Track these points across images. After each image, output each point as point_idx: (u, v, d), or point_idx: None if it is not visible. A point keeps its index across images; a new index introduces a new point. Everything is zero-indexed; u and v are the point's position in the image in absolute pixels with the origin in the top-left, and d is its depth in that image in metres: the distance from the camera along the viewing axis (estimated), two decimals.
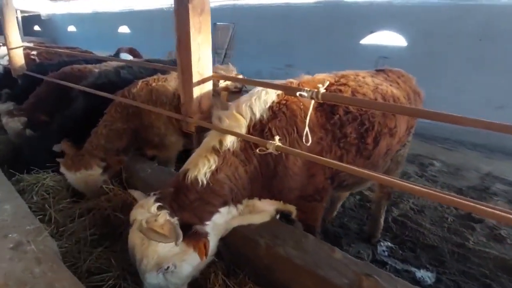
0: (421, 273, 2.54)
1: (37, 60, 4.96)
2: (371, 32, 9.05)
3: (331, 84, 1.96)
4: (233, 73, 3.37)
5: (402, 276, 2.45)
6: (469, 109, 7.02)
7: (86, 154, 2.60)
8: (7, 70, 4.56)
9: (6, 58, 4.84)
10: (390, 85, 2.34)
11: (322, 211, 2.06)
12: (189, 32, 1.70)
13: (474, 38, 7.13)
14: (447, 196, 1.13)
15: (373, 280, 1.47)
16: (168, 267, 1.47)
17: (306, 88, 1.46)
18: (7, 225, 1.61)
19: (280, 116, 1.69)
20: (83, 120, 3.01)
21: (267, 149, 1.49)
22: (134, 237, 1.45)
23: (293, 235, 1.81)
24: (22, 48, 4.32)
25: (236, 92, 2.39)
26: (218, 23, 12.53)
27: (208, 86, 1.91)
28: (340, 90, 1.92)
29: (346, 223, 3.19)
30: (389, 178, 1.23)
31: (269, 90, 1.72)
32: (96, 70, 3.71)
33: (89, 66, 4.15)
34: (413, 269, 2.59)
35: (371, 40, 9.17)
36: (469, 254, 2.77)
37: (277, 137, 1.50)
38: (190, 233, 1.46)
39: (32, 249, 1.44)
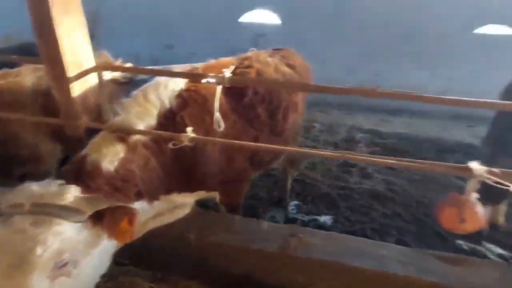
0: (322, 219, 3.06)
1: None
2: (248, 10, 9.44)
3: (236, 67, 1.97)
4: (111, 60, 2.90)
5: (310, 226, 2.91)
6: (330, 76, 8.53)
7: None
8: None
9: None
10: (286, 63, 2.53)
11: (245, 190, 2.14)
12: (51, 14, 1.34)
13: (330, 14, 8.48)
14: (335, 154, 1.39)
15: (298, 238, 1.68)
16: (65, 263, 1.06)
17: (211, 74, 1.42)
18: None
19: (191, 104, 1.61)
20: None
21: (181, 142, 1.40)
22: (18, 223, 1.02)
23: (222, 220, 1.83)
24: None
25: (125, 83, 2.09)
26: None
27: (91, 80, 1.59)
28: (246, 72, 1.96)
29: (258, 193, 3.46)
30: (301, 150, 1.39)
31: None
32: None
33: None
34: (316, 217, 3.08)
35: (248, 19, 9.57)
36: (351, 193, 3.51)
37: (189, 128, 1.42)
38: (108, 210, 1.14)
39: None
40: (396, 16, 8.05)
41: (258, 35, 9.13)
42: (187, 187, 1.72)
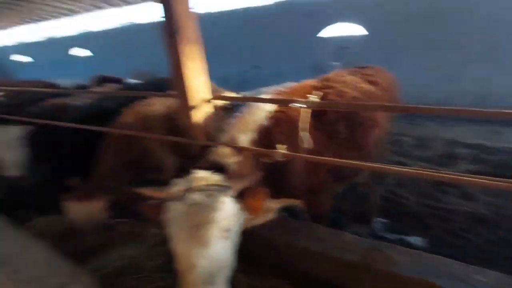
0: (411, 239, 2.89)
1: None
2: (328, 25, 9.56)
3: (318, 89, 2.21)
4: (219, 89, 3.51)
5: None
6: (426, 85, 7.77)
7: (91, 188, 2.62)
8: None
9: None
10: (368, 80, 2.62)
11: (327, 201, 2.31)
12: (181, 61, 1.86)
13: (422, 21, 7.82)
14: (425, 172, 1.42)
15: (379, 252, 1.75)
16: (228, 228, 1.40)
17: (300, 99, 1.69)
18: (46, 272, 1.67)
19: (282, 123, 1.91)
20: (74, 158, 3.03)
21: (273, 158, 1.70)
22: (193, 199, 1.36)
23: (307, 228, 2.04)
24: None
25: (229, 109, 2.56)
26: None
27: (207, 109, 2.07)
28: (328, 93, 2.17)
29: (343, 208, 3.50)
30: (382, 166, 1.50)
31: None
32: (75, 103, 3.68)
33: (66, 100, 4.11)
34: (405, 237, 2.94)
35: (328, 33, 9.66)
36: (446, 214, 3.19)
37: (281, 146, 1.71)
38: (246, 191, 1.51)
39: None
40: (499, 19, 6.85)
41: (341, 49, 9.10)
42: (276, 194, 2.00)
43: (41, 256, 1.80)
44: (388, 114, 2.71)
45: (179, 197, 1.40)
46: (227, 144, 1.89)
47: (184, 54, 1.87)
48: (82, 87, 5.97)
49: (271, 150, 1.71)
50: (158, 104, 3.07)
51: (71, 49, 17.58)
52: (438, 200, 3.48)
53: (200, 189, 1.42)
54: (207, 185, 1.44)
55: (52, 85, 5.97)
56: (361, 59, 8.39)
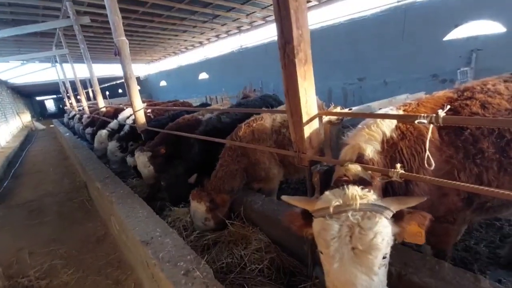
0: None
1: (152, 117, 6.13)
2: (456, 26, 8.18)
3: (454, 100, 1.93)
4: (318, 101, 3.53)
5: None
6: None
7: (204, 191, 3.04)
8: (133, 127, 5.74)
9: (132, 117, 6.16)
10: None
11: (455, 234, 1.95)
12: (297, 80, 1.97)
13: None
14: None
15: None
16: (385, 257, 1.30)
17: (423, 115, 1.52)
18: (173, 255, 2.04)
19: (409, 136, 1.76)
20: (200, 161, 3.62)
21: (390, 177, 1.56)
22: (350, 218, 1.28)
23: (426, 262, 1.76)
24: (143, 109, 5.44)
25: (336, 124, 2.53)
26: None
27: (316, 124, 2.11)
28: (467, 105, 1.86)
29: (473, 246, 2.84)
30: None
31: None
32: (201, 118, 4.40)
33: (195, 114, 4.97)
34: None
35: (457, 35, 8.26)
36: None
37: (398, 165, 1.56)
38: (408, 213, 1.36)
39: (198, 275, 1.80)
40: None
41: (472, 51, 7.61)
42: None
43: (174, 242, 2.20)
44: None
45: (334, 214, 1.34)
46: (333, 161, 1.86)
47: (299, 74, 1.98)
48: (205, 105, 7.09)
49: (388, 169, 1.58)
50: (268, 119, 3.32)
51: (196, 74, 21.35)
52: None
53: (358, 209, 1.32)
54: (364, 204, 1.34)
55: (183, 104, 7.34)
56: (498, 63, 6.82)
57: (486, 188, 1.37)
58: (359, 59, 10.62)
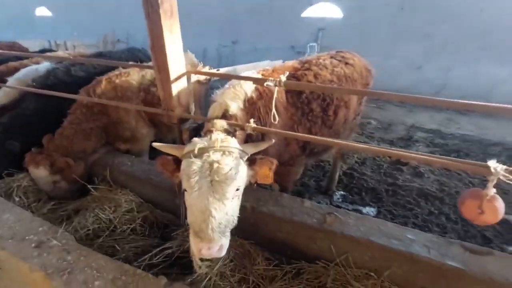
0: (366, 210, 3.27)
1: None
2: (310, 4, 9.53)
3: (297, 70, 2.38)
4: (191, 61, 3.53)
5: None
6: (396, 71, 8.18)
7: (43, 153, 2.64)
8: None
9: None
10: (346, 64, 2.80)
11: (296, 174, 2.55)
12: (162, 34, 1.91)
13: (397, 8, 8.06)
14: (381, 149, 1.67)
15: (333, 216, 2.02)
16: (238, 189, 1.57)
17: (271, 79, 1.84)
18: (19, 231, 1.75)
19: (264, 97, 2.08)
20: (36, 121, 2.99)
21: (246, 130, 1.86)
22: (211, 156, 1.49)
23: (272, 196, 2.27)
24: None
25: (205, 84, 2.64)
26: None
27: (184, 82, 2.15)
28: (305, 74, 2.35)
29: (306, 182, 3.81)
30: (348, 143, 1.73)
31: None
32: (41, 68, 3.51)
33: (25, 61, 3.91)
34: (360, 207, 3.31)
35: (311, 13, 9.67)
36: (398, 189, 3.61)
37: (252, 120, 1.87)
38: (259, 158, 1.69)
39: (56, 244, 1.65)
40: (471, 9, 7.27)
41: (319, 29, 9.20)
42: None
43: (18, 216, 1.87)
44: (359, 99, 2.93)
45: (198, 155, 1.52)
46: (202, 118, 2.02)
47: (164, 27, 1.91)
48: (48, 51, 5.62)
49: (243, 124, 1.86)
50: (136, 75, 3.07)
51: (33, 6, 16.02)
52: (394, 177, 3.89)
53: (219, 149, 1.54)
54: (225, 146, 1.57)
55: (12, 47, 5.55)
56: (336, 41, 8.62)
57: (315, 137, 1.87)
58: (234, 21, 10.82)
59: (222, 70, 3.81)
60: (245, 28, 10.67)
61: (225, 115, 1.94)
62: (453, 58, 7.87)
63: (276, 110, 2.06)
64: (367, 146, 1.71)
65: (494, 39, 7.24)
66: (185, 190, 1.57)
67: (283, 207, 2.16)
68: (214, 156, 1.53)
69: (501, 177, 1.39)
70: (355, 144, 1.85)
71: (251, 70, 2.38)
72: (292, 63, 2.53)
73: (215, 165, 1.50)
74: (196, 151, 1.55)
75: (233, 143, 1.65)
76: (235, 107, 1.98)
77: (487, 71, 7.56)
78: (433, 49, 8.02)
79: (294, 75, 2.36)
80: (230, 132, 1.83)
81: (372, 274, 1.93)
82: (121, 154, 3.03)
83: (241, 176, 1.59)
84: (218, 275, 2.05)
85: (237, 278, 2.05)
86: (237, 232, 2.24)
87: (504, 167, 1.40)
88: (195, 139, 1.65)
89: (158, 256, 2.22)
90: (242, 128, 1.86)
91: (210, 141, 1.61)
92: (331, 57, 2.71)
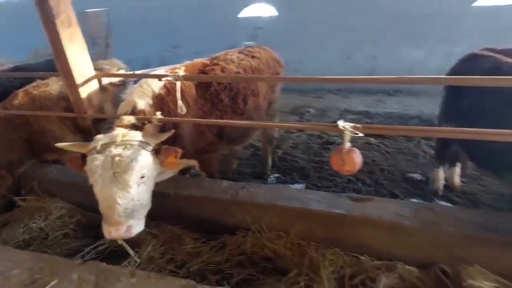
0: (294, 186, 3.63)
1: None
2: (246, 5, 9.91)
3: (206, 65, 2.61)
4: (117, 67, 3.63)
5: None
6: (329, 62, 8.86)
7: None
8: None
9: None
10: (252, 57, 3.09)
11: (216, 160, 2.79)
12: (61, 43, 2.03)
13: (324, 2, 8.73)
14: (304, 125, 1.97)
15: (245, 189, 2.30)
16: (143, 176, 1.75)
17: (170, 73, 2.06)
18: None
19: (172, 92, 2.26)
20: None
21: (152, 121, 2.06)
22: (114, 151, 1.67)
23: (195, 181, 2.49)
24: None
25: (120, 85, 2.78)
26: (88, 10, 11.32)
27: (93, 85, 2.28)
28: (213, 69, 2.59)
29: (243, 170, 4.09)
30: (257, 123, 2.00)
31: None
32: None
33: None
34: (289, 185, 3.67)
35: (247, 13, 10.06)
36: (323, 165, 4.04)
37: (158, 113, 2.07)
38: (163, 148, 1.88)
39: None
40: (380, 6, 8.16)
41: (256, 29, 9.61)
42: None
43: None
44: (270, 86, 3.23)
45: (101, 150, 1.68)
46: (113, 116, 2.18)
47: (63, 36, 2.03)
48: None
49: (150, 117, 2.06)
50: (55, 85, 3.09)
51: None
52: (321, 155, 4.33)
53: (120, 144, 1.71)
54: (126, 140, 1.74)
55: None
56: (273, 39, 9.09)
57: (224, 121, 2.13)
58: (173, 26, 10.83)
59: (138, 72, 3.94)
60: (185, 32, 10.76)
61: (134, 112, 2.12)
62: (377, 46, 8.74)
63: (186, 102, 2.30)
64: (268, 123, 2.02)
65: (409, 25, 8.20)
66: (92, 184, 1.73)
67: (203, 189, 2.39)
68: (115, 150, 1.70)
69: (347, 133, 1.76)
70: (259, 123, 2.16)
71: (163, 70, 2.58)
72: (202, 60, 2.78)
73: (116, 158, 1.67)
74: (98, 147, 1.71)
75: (135, 136, 1.83)
76: (142, 103, 2.17)
77: (407, 54, 8.52)
78: (360, 39, 8.83)
79: (203, 71, 2.61)
80: (137, 127, 2.01)
81: (282, 233, 2.24)
82: (48, 164, 3.04)
83: (143, 165, 1.76)
84: (148, 260, 2.22)
85: (165, 259, 2.23)
86: (165, 219, 2.45)
87: (352, 124, 1.78)
88: (98, 135, 1.81)
89: (90, 254, 2.32)
90: (150, 121, 2.06)
91: (112, 137, 1.78)
92: (239, 52, 3.00)
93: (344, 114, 6.56)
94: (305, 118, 6.35)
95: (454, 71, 2.84)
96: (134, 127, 1.99)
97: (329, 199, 2.18)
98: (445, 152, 3.21)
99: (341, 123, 1.78)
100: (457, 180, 3.51)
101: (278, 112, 3.78)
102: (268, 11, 9.69)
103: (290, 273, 1.94)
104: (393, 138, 4.73)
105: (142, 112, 2.15)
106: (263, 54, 3.16)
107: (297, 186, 3.64)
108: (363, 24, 8.53)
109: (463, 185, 3.47)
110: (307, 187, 3.62)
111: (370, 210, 2.07)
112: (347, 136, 1.82)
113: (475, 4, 7.78)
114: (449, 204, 3.22)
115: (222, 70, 2.68)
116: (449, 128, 1.80)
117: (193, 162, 2.65)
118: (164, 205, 2.43)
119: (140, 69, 3.86)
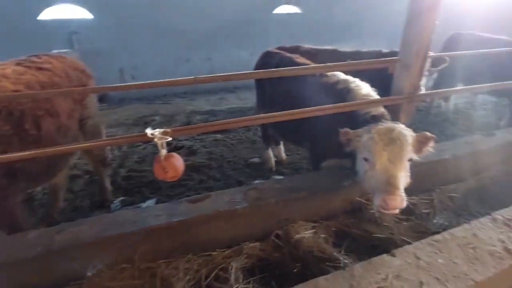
0: (146, 203, 3.34)
1: None
2: (48, 6, 8.13)
3: None
4: None
5: None
6: (167, 66, 8.68)
7: None
8: None
9: None
10: (39, 68, 2.46)
11: (12, 208, 2.11)
12: None
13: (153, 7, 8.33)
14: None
15: (64, 232, 1.86)
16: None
17: None
18: None
19: None
20: None
21: None
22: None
23: None
24: None
25: None
26: None
27: None
28: None
29: (80, 204, 3.40)
30: (80, 145, 1.54)
31: None
32: None
33: None
34: (140, 205, 3.33)
35: (51, 15, 8.29)
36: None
37: None
38: None
39: None
40: (210, 4, 8.72)
41: (72, 33, 8.13)
42: None
43: None
44: (77, 101, 2.72)
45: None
46: None
47: None
48: None
49: None
50: None
51: None
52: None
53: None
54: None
55: None
56: (95, 45, 8.02)
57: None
58: None
59: None
60: None
61: None
62: (212, 49, 9.29)
63: None
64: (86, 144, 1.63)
65: (235, 29, 9.11)
66: None
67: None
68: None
69: (157, 140, 1.69)
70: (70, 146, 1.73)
71: None
72: None
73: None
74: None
75: None
76: None
77: (236, 55, 9.49)
78: (196, 43, 9.10)
79: None
80: None
81: (126, 265, 1.96)
82: None
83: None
84: None
85: None
86: None
87: (161, 130, 1.72)
88: None
89: None
90: None
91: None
92: (17, 64, 2.36)
93: (192, 116, 6.63)
94: (153, 127, 5.97)
95: (257, 65, 3.33)
96: None
97: (168, 209, 2.07)
98: (267, 134, 3.78)
99: (149, 131, 1.69)
100: (283, 155, 4.22)
101: (104, 127, 3.29)
102: (80, 13, 8.33)
103: None
104: (236, 131, 5.17)
105: None
106: (57, 64, 2.59)
107: (148, 202, 3.36)
108: (196, 29, 8.79)
109: (288, 158, 4.20)
110: (159, 201, 3.40)
111: (207, 206, 2.11)
112: (159, 143, 1.76)
113: (274, 11, 9.51)
114: (281, 177, 3.82)
115: None
116: (249, 117, 2.03)
117: None
118: None
119: None
